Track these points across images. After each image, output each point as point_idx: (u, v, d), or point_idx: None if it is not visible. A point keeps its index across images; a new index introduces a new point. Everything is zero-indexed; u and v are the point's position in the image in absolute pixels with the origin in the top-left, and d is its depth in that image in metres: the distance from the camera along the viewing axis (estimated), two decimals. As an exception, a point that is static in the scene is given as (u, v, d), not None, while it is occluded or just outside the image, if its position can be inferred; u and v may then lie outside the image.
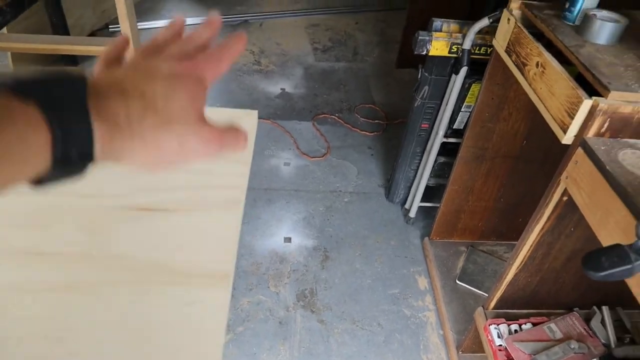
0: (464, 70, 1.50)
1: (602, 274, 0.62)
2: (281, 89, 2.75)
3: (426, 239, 1.88)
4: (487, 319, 1.34)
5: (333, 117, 2.53)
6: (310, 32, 3.46)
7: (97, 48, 1.99)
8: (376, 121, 2.54)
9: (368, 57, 3.20)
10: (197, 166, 0.57)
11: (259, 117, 2.46)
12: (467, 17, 2.81)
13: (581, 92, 0.94)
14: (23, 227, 0.49)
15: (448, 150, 1.73)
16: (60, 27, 2.78)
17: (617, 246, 0.63)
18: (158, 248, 0.48)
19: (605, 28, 1.07)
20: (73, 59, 2.83)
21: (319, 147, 2.33)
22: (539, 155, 1.61)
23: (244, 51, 0.37)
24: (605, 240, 0.87)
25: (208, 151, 0.37)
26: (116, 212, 0.51)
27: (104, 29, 3.34)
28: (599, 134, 0.95)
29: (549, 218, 1.11)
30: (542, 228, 1.13)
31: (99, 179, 0.55)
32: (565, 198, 1.05)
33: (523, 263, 1.23)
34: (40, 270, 0.46)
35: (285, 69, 2.95)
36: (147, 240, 0.49)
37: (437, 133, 1.67)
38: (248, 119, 0.65)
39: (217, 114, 0.66)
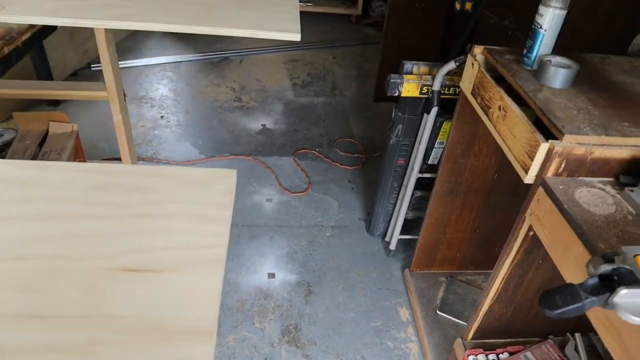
0: (434, 110, 1.58)
1: (557, 311, 0.68)
2: (262, 125, 2.82)
3: (407, 270, 1.93)
4: (465, 350, 1.39)
5: (313, 152, 2.60)
6: (290, 68, 3.56)
7: (78, 92, 2.03)
8: (355, 155, 2.62)
9: (346, 91, 3.30)
10: (181, 227, 0.62)
11: (241, 154, 2.52)
12: (439, 49, 2.94)
13: (538, 136, 1.02)
14: (22, 291, 0.53)
15: (424, 185, 1.80)
16: (43, 70, 2.83)
17: (569, 285, 0.69)
18: (147, 307, 0.53)
19: (559, 74, 1.16)
20: (55, 102, 2.87)
21: (300, 182, 2.39)
22: (509, 188, 1.68)
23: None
24: (567, 275, 0.93)
25: None
26: (108, 273, 0.56)
27: (86, 68, 3.40)
28: (557, 174, 1.02)
29: (517, 251, 1.17)
30: (512, 261, 1.20)
31: (92, 242, 0.59)
32: (531, 233, 1.12)
33: (497, 294, 1.28)
34: (39, 333, 0.49)
35: (265, 105, 3.03)
36: (136, 300, 0.53)
37: (412, 169, 1.74)
38: (227, 179, 0.70)
39: (196, 174, 0.72)
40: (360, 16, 4.63)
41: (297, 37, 1.31)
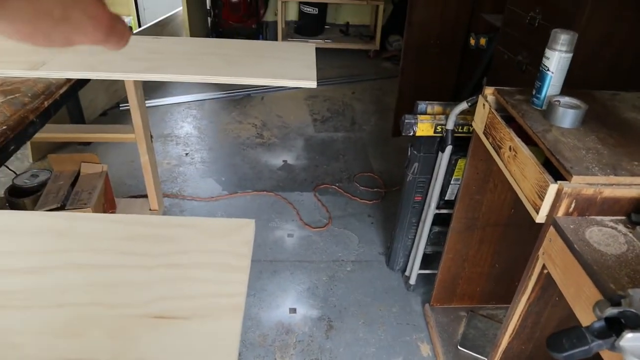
0: (449, 149, 1.63)
1: (564, 354, 0.70)
2: (283, 160, 2.90)
3: (427, 305, 1.93)
4: (486, 387, 1.39)
5: (333, 187, 2.65)
6: (310, 103, 3.66)
7: (108, 135, 2.14)
8: (375, 189, 2.66)
9: (365, 125, 3.36)
10: (203, 276, 0.68)
11: (263, 190, 2.59)
12: (454, 83, 2.99)
13: (547, 177, 1.05)
14: (63, 336, 0.59)
15: (442, 220, 1.83)
16: (75, 111, 2.98)
17: (576, 328, 0.71)
18: (172, 352, 0.57)
19: (567, 114, 1.19)
20: (86, 142, 3.00)
21: (321, 217, 2.44)
22: (526, 222, 1.69)
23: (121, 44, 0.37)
24: (580, 315, 0.94)
25: (93, 33, 0.33)
26: (138, 320, 0.61)
27: (115, 107, 3.55)
28: (567, 213, 1.05)
29: (533, 289, 1.19)
30: (528, 299, 1.21)
31: (124, 291, 0.65)
32: (545, 271, 1.14)
33: (515, 331, 1.29)
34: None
35: (286, 141, 3.11)
36: (163, 346, 0.58)
37: (429, 205, 1.77)
38: (246, 229, 0.75)
39: (218, 224, 0.77)
40: (378, 51, 4.75)
41: (313, 84, 1.38)
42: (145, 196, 2.31)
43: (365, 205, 2.54)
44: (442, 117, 1.66)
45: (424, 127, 1.64)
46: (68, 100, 1.45)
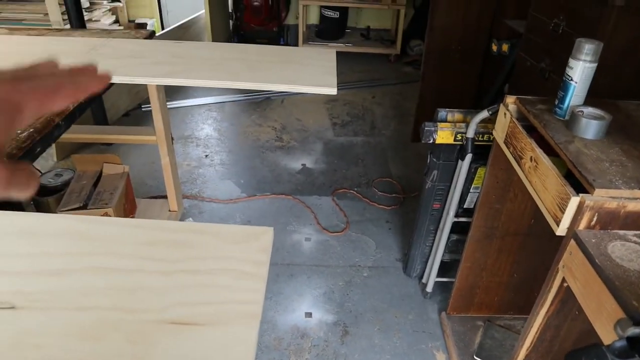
0: (469, 157, 1.61)
1: (583, 372, 0.69)
2: (302, 164, 2.91)
3: (443, 313, 1.92)
4: (502, 400, 1.37)
5: (352, 191, 2.65)
6: (329, 107, 3.66)
7: (130, 137, 2.18)
8: (393, 195, 2.65)
9: (385, 130, 3.36)
10: (221, 282, 0.68)
11: (281, 193, 2.60)
12: (476, 90, 2.96)
13: (569, 189, 1.03)
14: (83, 339, 0.60)
15: (460, 228, 1.81)
16: (99, 113, 3.03)
17: (596, 346, 0.70)
18: (189, 358, 0.58)
19: (590, 125, 1.17)
20: (109, 142, 3.05)
21: (339, 222, 2.44)
22: (547, 232, 1.66)
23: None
24: (601, 331, 0.92)
25: None
26: (156, 325, 0.62)
27: (137, 108, 3.61)
28: (589, 227, 1.03)
29: (552, 302, 1.17)
30: (547, 312, 1.19)
31: (144, 296, 0.66)
32: (565, 284, 1.12)
33: (533, 345, 1.27)
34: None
35: (305, 145, 3.12)
36: (180, 351, 0.59)
37: (448, 213, 1.76)
38: (265, 237, 0.75)
39: (236, 231, 0.78)
40: (399, 55, 4.73)
41: (333, 91, 1.38)
42: (165, 197, 2.35)
43: (384, 211, 2.53)
44: (463, 125, 1.65)
45: (443, 135, 1.63)
46: (92, 103, 1.48)
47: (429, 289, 1.99)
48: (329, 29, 4.85)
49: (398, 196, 2.64)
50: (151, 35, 1.95)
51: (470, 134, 1.59)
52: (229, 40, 4.87)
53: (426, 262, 2.02)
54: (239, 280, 0.69)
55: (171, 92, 3.71)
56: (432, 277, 1.95)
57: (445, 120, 1.69)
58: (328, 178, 2.78)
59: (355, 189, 2.68)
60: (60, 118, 1.29)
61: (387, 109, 3.70)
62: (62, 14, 3.00)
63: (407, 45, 4.83)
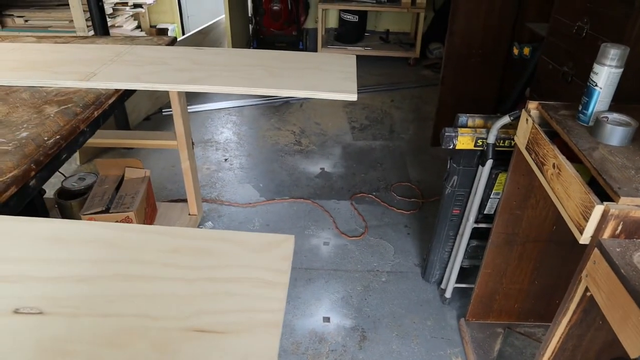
0: (489, 163, 1.60)
1: (607, 386, 0.68)
2: (321, 168, 2.91)
3: (462, 319, 1.90)
4: (523, 409, 1.35)
5: (370, 196, 2.65)
6: (348, 111, 3.66)
7: (152, 141, 2.21)
8: (412, 199, 2.64)
9: (404, 134, 3.34)
10: (243, 290, 0.69)
11: (300, 197, 2.61)
12: (496, 93, 2.93)
13: (593, 197, 1.02)
14: (108, 346, 0.61)
15: (480, 234, 1.80)
16: (121, 117, 3.09)
17: (621, 359, 0.69)
18: (212, 366, 0.59)
19: (616, 132, 1.15)
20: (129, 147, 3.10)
21: (357, 226, 2.44)
22: (569, 238, 1.64)
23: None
24: (626, 343, 0.91)
25: None
26: (179, 333, 0.63)
27: (157, 113, 3.66)
28: (614, 236, 1.01)
29: (574, 312, 1.15)
30: (569, 321, 1.17)
31: (167, 303, 0.67)
32: (588, 294, 1.10)
33: (554, 354, 1.25)
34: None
35: (324, 149, 3.13)
36: (203, 359, 0.60)
37: (468, 219, 1.75)
38: (286, 244, 0.76)
39: (258, 239, 0.79)
40: (418, 58, 4.71)
41: (353, 97, 1.39)
42: (185, 201, 2.37)
43: (402, 215, 2.52)
44: (483, 130, 1.63)
45: (464, 141, 1.62)
46: (115, 110, 1.51)
47: (448, 294, 1.97)
48: (348, 33, 4.86)
49: (417, 201, 2.63)
50: (173, 41, 1.98)
51: (492, 139, 1.58)
52: (248, 44, 4.91)
53: (445, 267, 2.01)
54: (260, 289, 0.69)
55: (191, 97, 3.75)
56: (451, 283, 1.94)
57: (465, 126, 1.68)
58: (346, 182, 2.78)
59: (374, 193, 2.68)
60: (86, 125, 1.31)
61: (406, 112, 3.69)
62: (87, 20, 3.06)
63: (426, 48, 4.81)
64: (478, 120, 1.68)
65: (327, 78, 1.51)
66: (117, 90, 1.48)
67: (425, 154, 3.08)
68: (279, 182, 2.78)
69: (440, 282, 2.05)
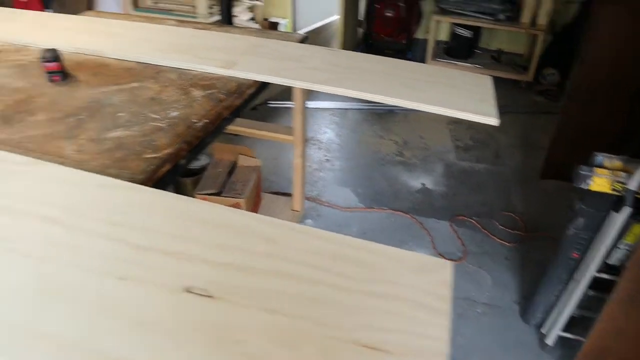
0: (626, 211, 1.48)
1: None
2: (422, 183, 2.86)
3: (563, 370, 1.78)
4: None
5: (471, 220, 2.56)
6: (452, 129, 3.57)
7: (269, 133, 2.26)
8: (515, 231, 2.51)
9: (509, 161, 3.20)
10: (403, 310, 0.68)
11: (399, 210, 2.58)
12: (622, 129, 2.72)
13: None
14: (278, 344, 0.62)
15: (597, 284, 1.67)
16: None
17: None
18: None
19: None
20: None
21: (455, 250, 2.36)
22: None
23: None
24: None
25: None
26: (346, 345, 0.63)
27: (264, 104, 3.77)
28: None
29: None
30: None
31: (331, 311, 0.67)
32: None
33: None
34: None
35: (426, 164, 3.07)
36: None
37: (588, 266, 1.63)
38: (443, 270, 0.74)
39: (412, 258, 0.77)
40: (530, 83, 4.49)
41: (494, 121, 1.34)
42: (288, 195, 2.42)
43: (503, 246, 2.41)
44: (622, 173, 1.52)
45: (600, 182, 1.51)
46: (253, 100, 1.56)
47: (550, 341, 1.85)
48: (458, 48, 4.73)
49: (519, 233, 2.50)
50: (303, 40, 2.01)
51: (634, 185, 1.46)
52: (356, 48, 4.93)
53: (549, 311, 1.89)
54: (420, 312, 0.68)
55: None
56: (555, 330, 1.82)
57: (601, 166, 1.57)
58: (447, 202, 2.71)
59: (475, 218, 2.58)
60: (229, 112, 1.37)
61: (512, 138, 3.53)
62: (209, 8, 3.21)
63: (539, 74, 4.58)
64: (616, 162, 1.56)
65: (460, 96, 1.48)
66: (255, 82, 1.53)
67: (533, 185, 2.93)
68: (378, 191, 2.76)
69: (541, 326, 1.93)
